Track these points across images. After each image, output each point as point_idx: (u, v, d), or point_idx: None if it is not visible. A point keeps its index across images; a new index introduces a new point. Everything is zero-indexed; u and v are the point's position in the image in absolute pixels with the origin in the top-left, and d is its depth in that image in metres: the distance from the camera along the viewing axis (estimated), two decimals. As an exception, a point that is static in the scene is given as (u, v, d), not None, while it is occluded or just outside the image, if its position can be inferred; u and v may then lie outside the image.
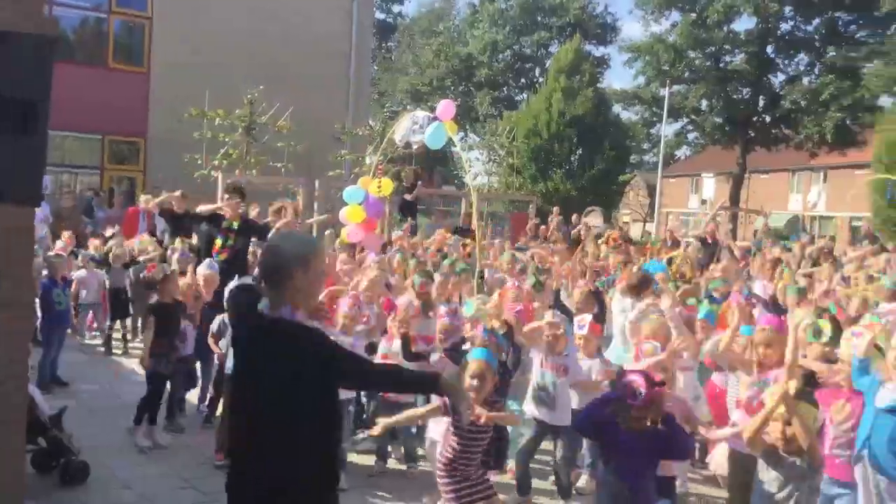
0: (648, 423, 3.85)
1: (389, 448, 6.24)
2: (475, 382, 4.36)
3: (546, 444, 5.86)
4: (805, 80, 36.07)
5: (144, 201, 11.78)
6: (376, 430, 4.33)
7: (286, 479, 2.92)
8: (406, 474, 6.00)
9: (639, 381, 3.83)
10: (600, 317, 6.95)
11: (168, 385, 6.57)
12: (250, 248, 8.86)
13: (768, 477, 3.79)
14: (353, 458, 6.09)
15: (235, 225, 8.47)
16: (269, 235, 8.09)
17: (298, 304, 3.02)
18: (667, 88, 35.58)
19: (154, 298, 6.61)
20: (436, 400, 4.42)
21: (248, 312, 3.18)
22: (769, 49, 36.67)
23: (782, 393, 3.63)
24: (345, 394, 5.77)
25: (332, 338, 3.23)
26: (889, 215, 22.73)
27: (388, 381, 3.37)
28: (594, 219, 24.46)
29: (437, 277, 7.49)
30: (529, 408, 5.71)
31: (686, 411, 4.86)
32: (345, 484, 5.49)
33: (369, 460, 6.13)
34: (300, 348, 2.93)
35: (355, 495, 5.45)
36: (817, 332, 5.58)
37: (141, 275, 8.69)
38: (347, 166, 18.05)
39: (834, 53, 34.34)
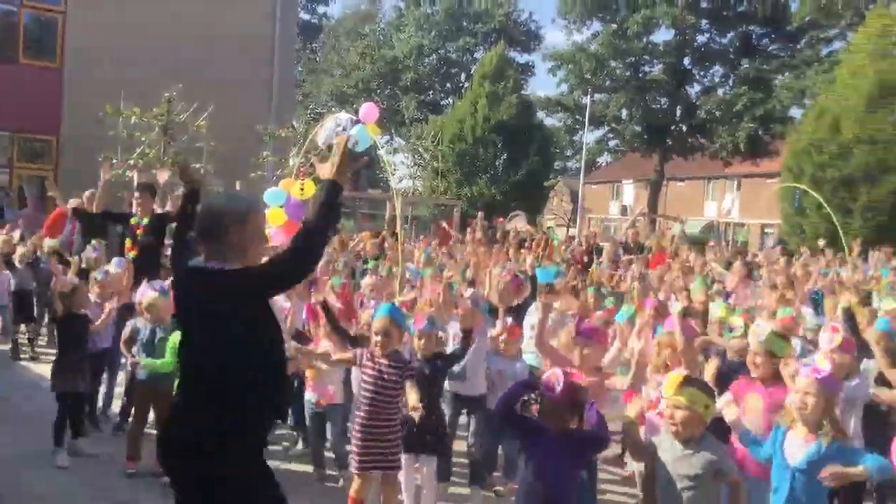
0: (570, 424, 3.89)
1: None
2: (380, 338, 4.62)
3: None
4: (720, 91, 37.37)
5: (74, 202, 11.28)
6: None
7: (219, 427, 2.94)
8: (335, 479, 5.93)
9: (557, 376, 3.90)
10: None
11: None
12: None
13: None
14: (286, 465, 6.00)
15: (145, 221, 8.21)
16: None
17: (234, 260, 3.03)
18: (588, 97, 36.36)
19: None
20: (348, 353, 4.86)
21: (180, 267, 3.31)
22: (686, 60, 37.87)
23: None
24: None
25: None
26: (796, 222, 23.69)
27: (315, 234, 3.04)
28: (518, 223, 24.74)
29: (367, 280, 7.52)
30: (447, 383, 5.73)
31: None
32: None
33: (300, 468, 6.06)
34: (225, 285, 2.97)
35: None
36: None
37: (48, 288, 8.26)
38: (270, 168, 17.77)
39: (747, 66, 35.69)
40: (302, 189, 8.16)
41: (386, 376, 4.65)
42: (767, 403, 4.49)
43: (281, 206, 8.26)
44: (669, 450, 3.77)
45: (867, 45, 23.63)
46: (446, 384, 5.72)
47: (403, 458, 5.04)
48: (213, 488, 2.97)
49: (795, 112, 33.16)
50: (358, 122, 8.03)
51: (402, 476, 5.15)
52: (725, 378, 5.14)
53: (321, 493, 5.68)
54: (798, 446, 3.98)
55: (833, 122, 23.17)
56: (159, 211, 8.51)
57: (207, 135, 15.37)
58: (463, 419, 6.04)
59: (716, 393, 4.17)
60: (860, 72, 23.30)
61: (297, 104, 30.84)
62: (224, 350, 2.96)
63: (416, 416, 4.50)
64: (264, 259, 3.19)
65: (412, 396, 4.58)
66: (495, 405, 4.48)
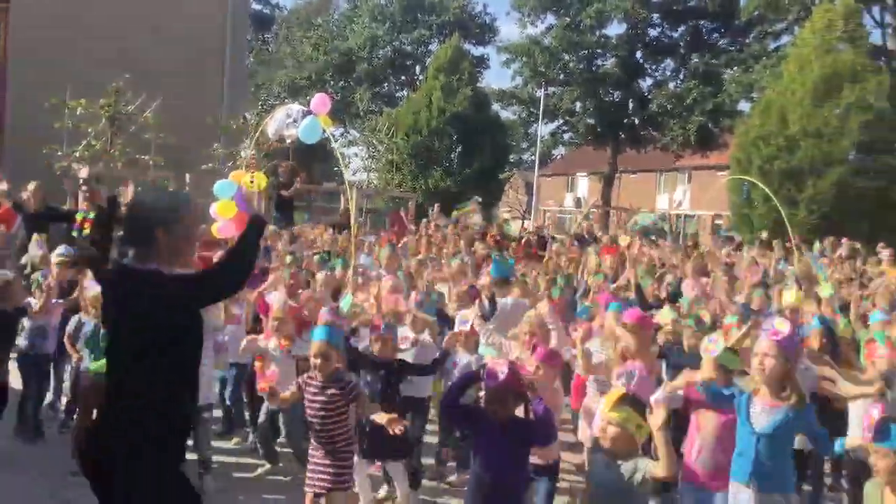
0: (513, 413, 3.90)
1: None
2: (319, 361, 4.57)
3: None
4: (671, 85, 37.87)
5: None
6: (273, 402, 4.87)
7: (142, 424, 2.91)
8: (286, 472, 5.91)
9: (500, 364, 3.92)
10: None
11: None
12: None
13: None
14: (226, 458, 5.94)
15: (91, 215, 8.02)
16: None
17: (164, 261, 3.00)
18: (542, 89, 36.51)
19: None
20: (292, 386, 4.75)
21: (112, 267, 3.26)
22: (638, 54, 38.29)
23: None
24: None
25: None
26: (745, 214, 24.13)
27: (241, 257, 3.19)
28: (473, 216, 24.75)
29: (320, 275, 7.51)
30: None
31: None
32: (212, 487, 5.41)
33: (246, 460, 6.02)
34: (157, 293, 2.91)
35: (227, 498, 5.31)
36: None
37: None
38: (222, 160, 17.50)
39: (697, 60, 36.23)
40: (252, 181, 8.08)
41: (330, 398, 4.58)
42: (722, 421, 4.49)
43: (231, 198, 8.17)
44: (601, 461, 3.83)
45: (813, 40, 24.13)
46: None
47: (357, 461, 5.05)
48: (128, 497, 2.93)
49: (744, 105, 33.73)
50: (309, 113, 7.97)
51: (357, 480, 5.16)
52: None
53: (272, 488, 5.65)
54: (763, 411, 4.08)
55: (780, 115, 23.61)
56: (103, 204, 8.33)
57: (156, 126, 15.11)
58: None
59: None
60: (806, 66, 23.76)
61: (249, 95, 30.37)
62: (150, 356, 2.93)
63: (397, 429, 4.37)
64: (198, 268, 3.21)
65: (380, 416, 4.53)
66: (441, 406, 4.52)
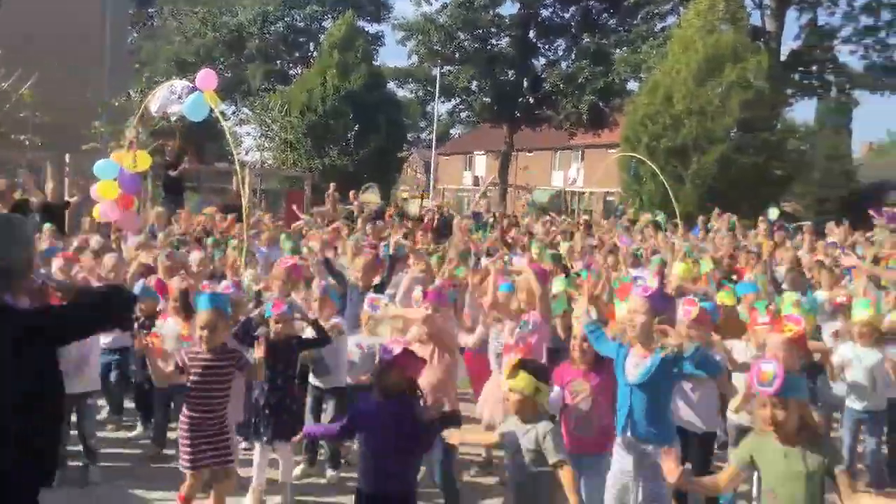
0: (400, 389, 3.89)
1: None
2: (206, 333, 4.44)
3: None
4: (563, 64, 38.53)
5: None
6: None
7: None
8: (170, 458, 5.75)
9: (398, 342, 3.97)
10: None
11: None
12: None
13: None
14: (111, 448, 5.74)
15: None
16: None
17: (18, 292, 2.81)
18: (438, 68, 36.52)
19: None
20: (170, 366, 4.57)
21: None
22: (531, 34, 38.78)
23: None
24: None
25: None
26: (634, 190, 24.92)
27: (119, 308, 2.91)
28: (372, 196, 24.62)
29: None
30: (311, 376, 5.88)
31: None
32: (97, 477, 5.27)
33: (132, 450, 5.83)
34: (29, 326, 2.65)
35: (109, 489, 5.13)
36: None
37: None
38: (104, 140, 16.72)
39: (588, 40, 36.99)
40: (135, 160, 7.77)
41: (214, 372, 4.48)
42: (594, 386, 4.51)
43: (114, 179, 7.85)
44: (514, 424, 3.90)
45: (696, 21, 24.98)
46: (310, 377, 5.83)
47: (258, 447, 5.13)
48: None
49: (633, 85, 34.70)
50: (195, 89, 7.72)
51: (255, 462, 5.17)
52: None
53: (159, 478, 5.50)
54: (636, 365, 4.17)
55: (666, 94, 24.39)
56: None
57: (32, 104, 14.32)
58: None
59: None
60: (690, 46, 24.60)
61: (132, 72, 29.01)
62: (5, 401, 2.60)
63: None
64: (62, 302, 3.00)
65: (260, 372, 4.76)
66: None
